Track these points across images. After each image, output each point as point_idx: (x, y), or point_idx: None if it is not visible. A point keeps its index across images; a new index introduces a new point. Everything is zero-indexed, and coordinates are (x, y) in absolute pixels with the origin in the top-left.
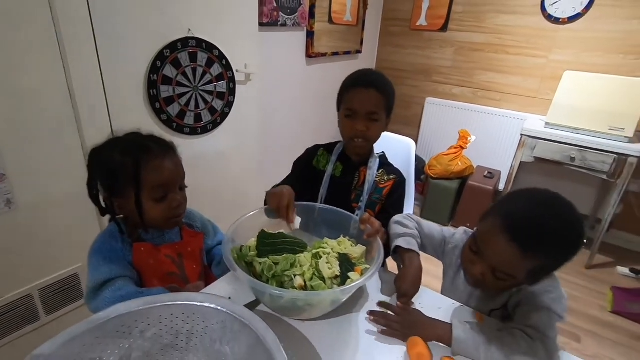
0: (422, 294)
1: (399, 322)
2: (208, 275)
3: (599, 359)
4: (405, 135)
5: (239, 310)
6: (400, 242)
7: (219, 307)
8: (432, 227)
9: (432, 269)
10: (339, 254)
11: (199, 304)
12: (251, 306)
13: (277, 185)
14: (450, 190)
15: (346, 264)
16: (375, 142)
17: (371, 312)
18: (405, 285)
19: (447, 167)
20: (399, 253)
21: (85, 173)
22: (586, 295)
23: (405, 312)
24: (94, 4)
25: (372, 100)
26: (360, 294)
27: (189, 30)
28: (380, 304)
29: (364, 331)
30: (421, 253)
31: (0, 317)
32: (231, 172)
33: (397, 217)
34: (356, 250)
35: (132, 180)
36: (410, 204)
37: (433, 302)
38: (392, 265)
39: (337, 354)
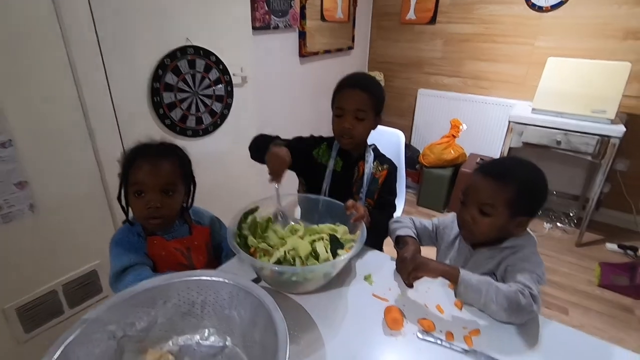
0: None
1: (412, 261)
2: (213, 265)
3: (585, 328)
4: (400, 126)
5: (243, 281)
6: (399, 232)
7: (226, 280)
8: (424, 221)
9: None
10: (329, 235)
11: (210, 278)
12: None
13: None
14: (444, 178)
15: (336, 243)
16: (361, 139)
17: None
18: (407, 253)
19: (440, 156)
20: (400, 241)
21: (99, 176)
22: (576, 272)
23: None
24: (100, 22)
25: (359, 99)
26: (348, 272)
27: (187, 39)
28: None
29: (351, 302)
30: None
31: (30, 311)
32: (232, 170)
33: (394, 219)
34: (340, 229)
35: (125, 175)
36: (402, 191)
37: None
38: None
39: (328, 320)
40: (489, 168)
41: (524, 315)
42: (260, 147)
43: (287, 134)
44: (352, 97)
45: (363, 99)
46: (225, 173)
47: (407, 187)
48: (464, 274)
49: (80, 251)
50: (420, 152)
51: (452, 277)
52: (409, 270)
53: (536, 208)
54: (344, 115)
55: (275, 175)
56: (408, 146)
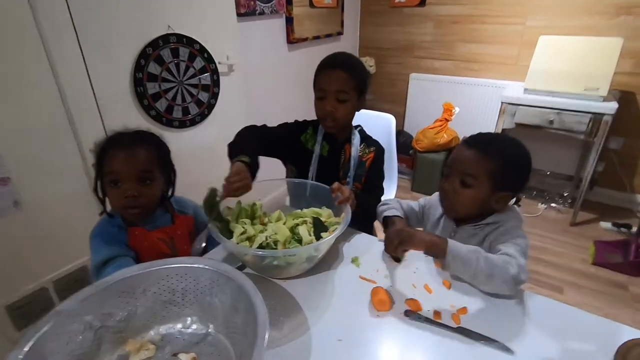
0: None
1: (394, 234)
2: (199, 255)
3: (579, 306)
4: (393, 112)
5: (222, 267)
6: (386, 213)
7: (206, 266)
8: (410, 202)
9: None
10: (313, 218)
11: (189, 265)
12: None
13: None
14: (438, 162)
15: (320, 226)
16: (344, 122)
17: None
18: (392, 233)
19: (433, 140)
20: (387, 222)
21: (84, 170)
22: (570, 251)
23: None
24: (75, 12)
25: (339, 80)
26: (335, 255)
27: (169, 26)
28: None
29: (338, 285)
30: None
31: (20, 309)
32: (222, 161)
33: (382, 202)
34: (323, 212)
35: (99, 165)
36: (393, 176)
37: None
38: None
39: (314, 304)
40: (474, 140)
41: (513, 285)
42: (235, 151)
43: (277, 121)
44: (332, 77)
45: (344, 80)
46: (214, 164)
47: (401, 173)
48: (452, 243)
49: (69, 247)
50: (414, 137)
51: (440, 248)
52: (396, 244)
53: (518, 184)
54: (325, 97)
55: (228, 193)
56: (401, 132)
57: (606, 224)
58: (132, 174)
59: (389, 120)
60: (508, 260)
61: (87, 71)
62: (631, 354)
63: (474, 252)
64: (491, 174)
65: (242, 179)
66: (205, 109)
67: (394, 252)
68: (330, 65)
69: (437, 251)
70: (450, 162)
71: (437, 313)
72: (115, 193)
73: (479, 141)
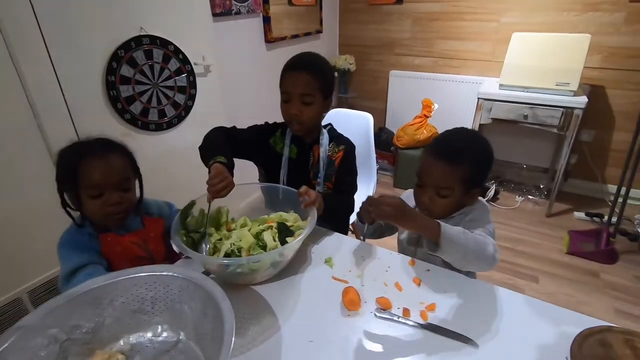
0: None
1: (392, 205)
2: (173, 254)
3: (554, 295)
4: (374, 110)
5: (192, 274)
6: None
7: (175, 274)
8: None
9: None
10: (278, 223)
11: (158, 273)
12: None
13: (220, 147)
14: (418, 159)
15: (285, 231)
16: (311, 125)
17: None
18: (389, 201)
19: (413, 137)
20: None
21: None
22: (546, 241)
23: (395, 199)
24: (42, 13)
25: (303, 82)
26: (303, 259)
27: (141, 28)
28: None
29: (311, 286)
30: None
31: None
32: (201, 163)
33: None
34: (290, 217)
35: (71, 178)
36: (372, 174)
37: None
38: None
39: (286, 305)
40: (440, 150)
41: (492, 262)
42: (209, 153)
43: (256, 122)
44: (297, 80)
45: (308, 82)
46: (193, 166)
47: (383, 169)
48: (444, 226)
49: (44, 255)
50: (395, 134)
51: (432, 232)
52: (387, 213)
53: (487, 177)
54: (290, 100)
55: (215, 195)
56: (383, 129)
57: (580, 214)
58: (113, 183)
59: (367, 118)
60: (486, 240)
61: (55, 73)
62: (587, 342)
63: (462, 232)
64: (464, 180)
65: (223, 179)
66: (182, 111)
67: (372, 218)
68: (295, 67)
69: (429, 235)
70: (421, 173)
71: (406, 310)
72: (96, 203)
73: (445, 151)
